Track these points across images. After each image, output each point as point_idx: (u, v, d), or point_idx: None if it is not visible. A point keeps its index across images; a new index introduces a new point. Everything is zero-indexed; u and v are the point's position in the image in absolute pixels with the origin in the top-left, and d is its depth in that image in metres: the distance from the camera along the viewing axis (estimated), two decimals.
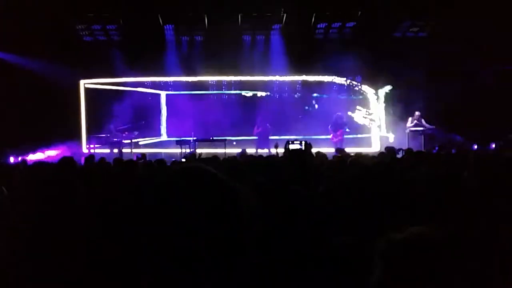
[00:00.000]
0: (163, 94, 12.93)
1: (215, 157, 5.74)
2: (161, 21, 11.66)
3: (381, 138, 12.54)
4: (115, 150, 10.84)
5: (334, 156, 6.77)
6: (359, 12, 11.46)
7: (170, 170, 1.06)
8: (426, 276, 1.39)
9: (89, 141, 12.03)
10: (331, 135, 11.57)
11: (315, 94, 12.73)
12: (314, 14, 11.52)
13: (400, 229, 1.51)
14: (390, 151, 6.83)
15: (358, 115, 12.70)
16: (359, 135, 12.55)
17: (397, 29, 12.34)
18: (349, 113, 12.48)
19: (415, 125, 10.91)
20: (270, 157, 6.56)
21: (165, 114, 12.95)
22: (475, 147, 10.14)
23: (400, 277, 1.41)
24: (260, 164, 4.41)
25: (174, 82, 12.73)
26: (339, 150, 8.01)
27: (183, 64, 12.18)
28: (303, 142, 4.34)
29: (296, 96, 12.75)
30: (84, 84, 12.52)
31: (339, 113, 11.71)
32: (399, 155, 7.00)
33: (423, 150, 8.89)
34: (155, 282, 0.99)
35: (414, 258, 1.41)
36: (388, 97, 12.55)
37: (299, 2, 10.97)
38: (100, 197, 2.56)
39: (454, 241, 1.44)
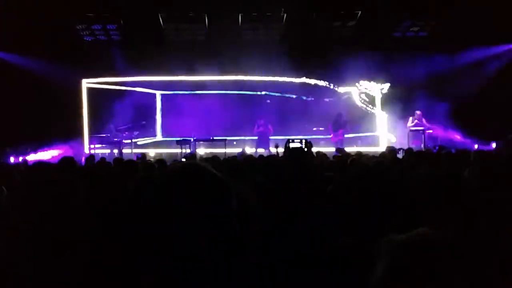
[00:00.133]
0: (158, 93, 12.93)
1: (215, 157, 5.73)
2: (161, 21, 11.66)
3: (382, 138, 12.54)
4: (115, 151, 10.84)
5: (334, 156, 6.77)
6: (359, 12, 11.46)
7: (169, 169, 1.05)
8: (427, 276, 1.39)
9: (91, 141, 12.04)
10: (331, 134, 11.57)
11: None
12: (314, 14, 11.52)
13: (400, 229, 1.52)
14: (390, 151, 6.82)
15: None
16: (363, 134, 12.56)
17: (397, 29, 12.34)
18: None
19: (416, 125, 10.90)
20: (271, 156, 6.56)
21: (160, 114, 12.95)
22: (476, 146, 10.15)
23: (402, 277, 1.41)
24: (260, 164, 4.41)
25: (174, 82, 12.71)
26: (340, 150, 8.00)
27: (183, 64, 12.17)
28: (304, 141, 4.34)
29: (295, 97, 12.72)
30: (86, 83, 12.53)
31: (340, 112, 11.71)
32: (400, 155, 6.99)
33: (423, 149, 8.88)
34: (155, 282, 0.99)
35: (415, 258, 1.41)
36: (388, 96, 12.54)
37: (299, 2, 10.97)
38: (100, 197, 2.56)
39: (455, 242, 1.44)
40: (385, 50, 11.55)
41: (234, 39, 12.01)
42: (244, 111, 11.99)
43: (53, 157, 10.41)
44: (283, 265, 2.10)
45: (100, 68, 11.92)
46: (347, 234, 2.14)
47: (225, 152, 10.00)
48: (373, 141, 12.54)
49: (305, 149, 3.93)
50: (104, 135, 11.42)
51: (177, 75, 12.42)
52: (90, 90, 12.57)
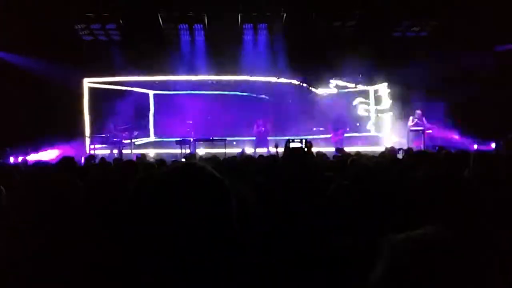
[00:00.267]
0: (151, 93, 12.91)
1: (214, 157, 5.72)
2: (161, 21, 11.66)
3: (383, 137, 12.54)
4: (115, 151, 10.83)
5: (334, 156, 6.76)
6: (359, 12, 11.46)
7: (168, 169, 1.05)
8: (427, 276, 1.39)
9: (92, 141, 12.03)
10: (331, 134, 11.56)
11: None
12: (313, 14, 11.51)
13: (400, 229, 1.52)
14: (390, 151, 6.82)
15: (361, 108, 12.71)
16: (365, 134, 12.56)
17: (397, 29, 12.34)
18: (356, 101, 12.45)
19: (416, 124, 10.90)
20: (271, 156, 6.56)
21: (153, 114, 12.93)
22: (475, 146, 10.15)
23: (402, 277, 1.41)
24: (260, 164, 4.41)
25: (174, 82, 12.70)
26: (340, 150, 8.00)
27: (183, 64, 12.17)
28: (304, 141, 4.34)
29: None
30: (88, 83, 12.52)
31: (340, 112, 11.71)
32: (399, 155, 6.99)
33: (423, 149, 8.88)
34: (155, 282, 0.99)
35: (415, 258, 1.41)
36: (387, 96, 12.54)
37: (299, 2, 10.97)
38: (100, 197, 2.56)
39: (455, 242, 1.44)
40: (385, 50, 11.56)
41: (234, 39, 12.02)
42: (244, 111, 11.99)
43: (53, 157, 10.41)
44: (283, 265, 2.10)
45: (100, 68, 11.92)
46: (347, 234, 2.14)
47: (225, 152, 10.00)
48: (373, 141, 12.55)
49: (305, 149, 3.94)
50: (104, 135, 11.42)
51: (177, 75, 12.42)
52: (90, 90, 12.58)
